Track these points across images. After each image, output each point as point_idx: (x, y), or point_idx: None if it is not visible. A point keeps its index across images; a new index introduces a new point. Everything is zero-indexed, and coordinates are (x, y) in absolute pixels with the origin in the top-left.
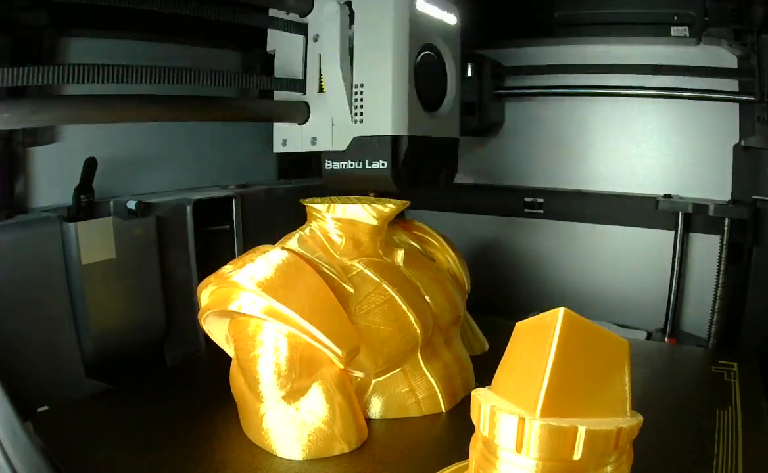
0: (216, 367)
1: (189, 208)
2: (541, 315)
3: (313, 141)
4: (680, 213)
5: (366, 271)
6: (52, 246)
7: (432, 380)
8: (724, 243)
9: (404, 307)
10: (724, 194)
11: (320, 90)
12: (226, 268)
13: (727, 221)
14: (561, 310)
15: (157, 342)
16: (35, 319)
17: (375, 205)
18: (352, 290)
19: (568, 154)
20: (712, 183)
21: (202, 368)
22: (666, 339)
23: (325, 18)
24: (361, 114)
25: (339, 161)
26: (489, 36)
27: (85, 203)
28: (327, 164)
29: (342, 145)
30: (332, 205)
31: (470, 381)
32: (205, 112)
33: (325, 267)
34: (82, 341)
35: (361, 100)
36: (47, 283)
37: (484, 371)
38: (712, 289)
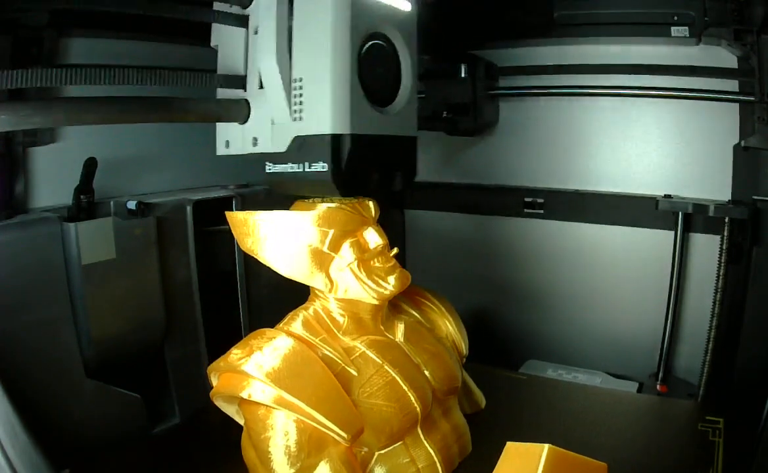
0: (226, 425)
1: (189, 208)
2: (529, 444)
3: (255, 142)
4: (680, 213)
5: (368, 352)
6: (52, 247)
7: (431, 451)
8: (724, 243)
9: (405, 388)
10: (724, 194)
11: (261, 86)
12: (235, 354)
13: (727, 221)
14: (546, 448)
15: (157, 343)
16: (35, 320)
17: (375, 287)
18: (355, 373)
19: (569, 154)
20: (712, 183)
21: (213, 422)
22: (658, 386)
23: (262, 8)
24: (301, 111)
25: (279, 163)
26: (485, 37)
27: (85, 203)
28: (268, 167)
29: (282, 146)
30: (335, 285)
31: (467, 446)
32: (149, 114)
33: (329, 351)
34: (82, 341)
35: (301, 95)
36: (47, 283)
37: (481, 432)
38: (712, 292)
